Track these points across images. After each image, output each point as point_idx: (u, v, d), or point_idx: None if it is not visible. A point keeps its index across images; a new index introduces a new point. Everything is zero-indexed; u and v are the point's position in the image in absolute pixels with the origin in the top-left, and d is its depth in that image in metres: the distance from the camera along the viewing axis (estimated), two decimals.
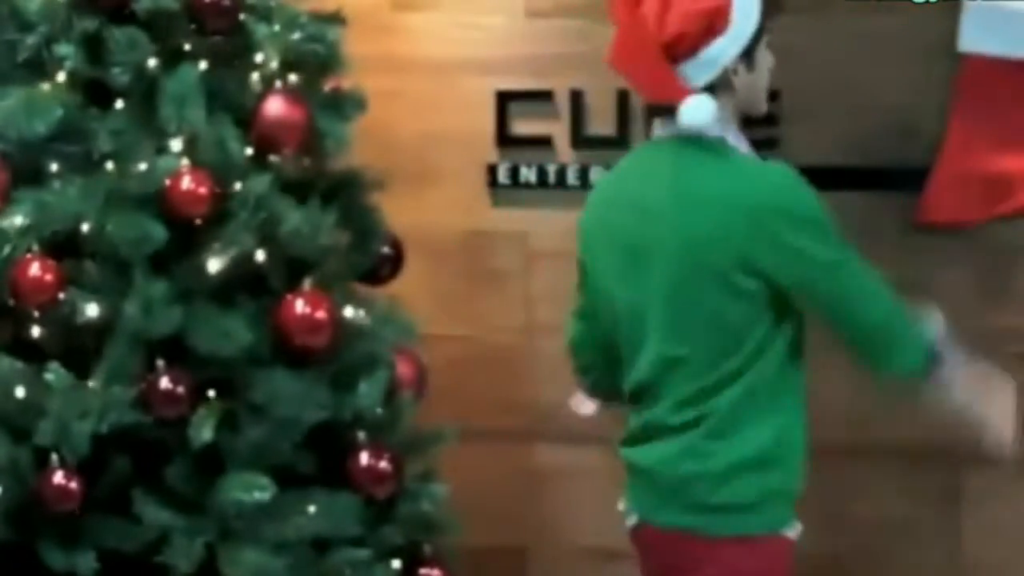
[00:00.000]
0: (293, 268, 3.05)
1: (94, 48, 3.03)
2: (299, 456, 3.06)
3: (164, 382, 2.93)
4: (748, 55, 2.56)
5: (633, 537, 2.71)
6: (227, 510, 2.95)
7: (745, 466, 2.54)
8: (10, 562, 2.98)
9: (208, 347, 2.96)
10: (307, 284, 3.02)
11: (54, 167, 3.04)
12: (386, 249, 3.36)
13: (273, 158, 3.06)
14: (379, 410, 3.11)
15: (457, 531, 3.24)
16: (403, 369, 3.22)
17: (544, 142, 3.76)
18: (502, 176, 3.79)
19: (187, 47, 3.05)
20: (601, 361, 2.77)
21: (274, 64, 3.10)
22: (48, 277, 2.93)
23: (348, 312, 3.12)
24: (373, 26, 3.69)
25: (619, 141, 3.69)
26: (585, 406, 2.94)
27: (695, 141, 2.53)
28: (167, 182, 2.95)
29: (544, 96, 3.74)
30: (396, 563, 3.12)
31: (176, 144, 3.00)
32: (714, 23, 2.49)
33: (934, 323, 2.64)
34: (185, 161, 2.97)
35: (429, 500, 3.17)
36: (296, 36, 3.11)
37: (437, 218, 3.79)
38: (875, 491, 3.61)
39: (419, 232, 3.57)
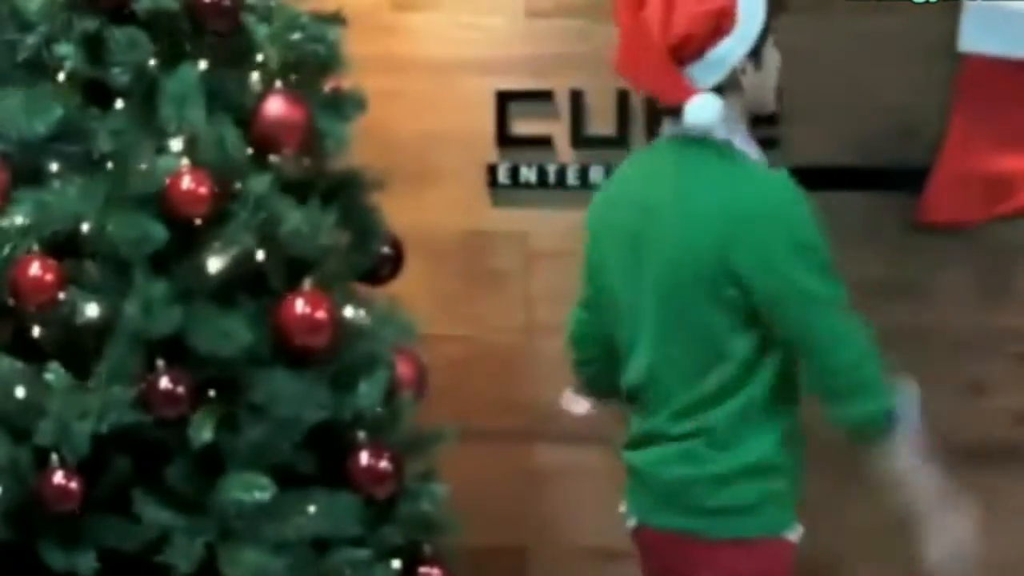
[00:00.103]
0: (293, 268, 3.05)
1: (94, 48, 3.03)
2: (299, 456, 3.06)
3: (164, 382, 2.93)
4: (755, 54, 2.54)
5: (634, 539, 2.71)
6: (227, 510, 2.95)
7: (745, 472, 2.53)
8: (10, 562, 2.98)
9: (208, 347, 2.96)
10: (307, 284, 3.02)
11: (54, 167, 3.04)
12: (386, 249, 3.35)
13: (273, 158, 3.06)
14: (379, 410, 3.11)
15: (457, 531, 3.23)
16: (403, 369, 3.22)
17: (544, 142, 3.76)
18: (502, 176, 3.79)
19: (187, 47, 3.05)
20: (601, 356, 2.77)
21: (274, 64, 3.10)
22: (48, 277, 2.93)
23: (348, 312, 3.12)
24: (373, 26, 3.69)
25: (619, 141, 3.69)
26: (578, 404, 2.91)
27: (700, 143, 2.53)
28: (167, 182, 2.95)
29: (544, 96, 3.74)
30: (396, 563, 3.11)
31: (176, 144, 3.00)
32: (720, 24, 2.48)
33: (907, 391, 2.57)
34: (185, 161, 2.97)
35: (429, 500, 3.17)
36: (296, 36, 3.11)
37: (437, 218, 3.79)
38: (875, 491, 3.61)
39: (419, 232, 3.57)
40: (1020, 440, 3.57)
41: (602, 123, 3.72)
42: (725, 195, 2.48)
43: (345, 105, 3.21)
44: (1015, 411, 3.57)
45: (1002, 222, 3.49)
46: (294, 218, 3.02)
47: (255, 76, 3.10)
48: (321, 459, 3.09)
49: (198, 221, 2.96)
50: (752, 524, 2.55)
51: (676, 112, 2.53)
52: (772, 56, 2.60)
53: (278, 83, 3.07)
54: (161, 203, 2.95)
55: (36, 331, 3.00)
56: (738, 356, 2.51)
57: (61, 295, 2.95)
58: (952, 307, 3.58)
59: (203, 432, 2.92)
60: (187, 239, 2.98)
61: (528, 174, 3.77)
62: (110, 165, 3.00)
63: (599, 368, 2.80)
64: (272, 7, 3.15)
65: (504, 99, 3.77)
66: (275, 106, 3.05)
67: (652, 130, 3.67)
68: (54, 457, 2.91)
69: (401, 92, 3.75)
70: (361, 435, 3.07)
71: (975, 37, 3.43)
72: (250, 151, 3.05)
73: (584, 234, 2.73)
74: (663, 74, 2.49)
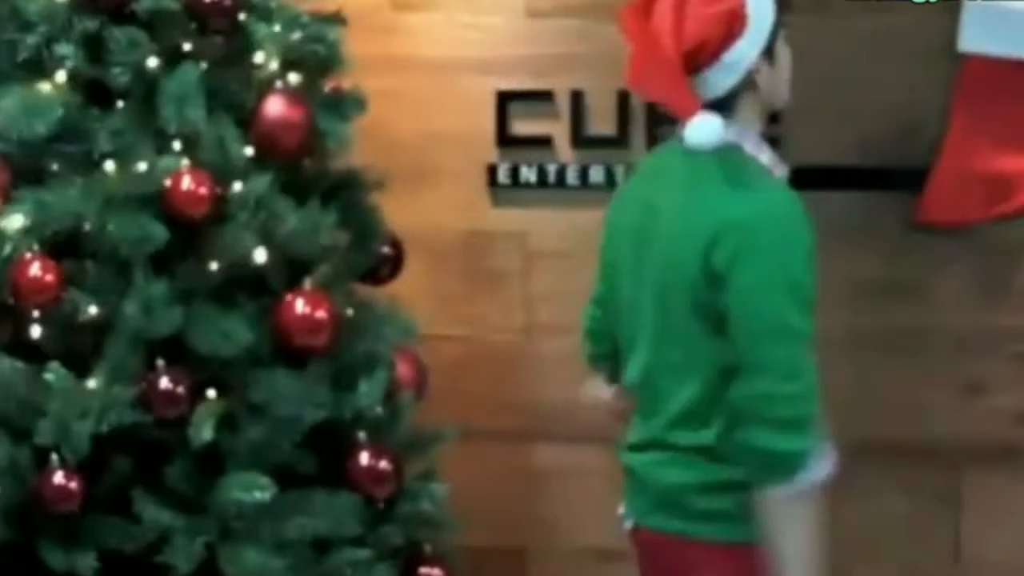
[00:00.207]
0: (293, 268, 3.05)
1: (94, 48, 3.03)
2: (299, 456, 3.06)
3: (164, 382, 2.93)
4: (769, 52, 2.53)
5: (631, 540, 2.71)
6: (227, 510, 2.95)
7: (742, 482, 2.49)
8: (10, 562, 2.98)
9: (208, 347, 2.96)
10: (307, 284, 3.02)
11: (54, 167, 3.04)
12: (386, 249, 3.36)
13: (273, 158, 3.06)
14: (379, 410, 3.11)
15: (457, 531, 3.24)
16: (403, 369, 3.23)
17: (544, 142, 3.76)
18: (502, 176, 3.79)
19: (187, 47, 3.05)
20: (615, 352, 2.75)
21: (274, 64, 3.09)
22: (48, 277, 2.93)
23: (348, 312, 3.12)
24: (373, 26, 3.69)
25: (619, 141, 3.70)
26: (602, 390, 2.87)
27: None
28: (167, 182, 2.94)
29: (544, 96, 3.74)
30: (396, 563, 3.12)
31: (176, 144, 3.00)
32: (732, 26, 2.47)
33: (826, 452, 2.49)
34: (185, 161, 2.97)
35: (429, 500, 3.17)
36: (296, 36, 3.11)
37: (437, 218, 3.79)
38: (875, 491, 3.61)
39: (419, 232, 3.57)
40: (1020, 440, 3.57)
41: (602, 123, 3.72)
42: (719, 200, 2.47)
43: (345, 105, 3.21)
44: (1015, 411, 3.57)
45: (1002, 222, 3.50)
46: (294, 218, 3.02)
47: (255, 76, 3.10)
48: (321, 459, 3.09)
49: (198, 221, 2.96)
50: (747, 529, 2.53)
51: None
52: (784, 52, 2.58)
53: (278, 83, 3.07)
54: (161, 203, 2.95)
55: (36, 331, 2.99)
56: (718, 363, 2.49)
57: (61, 295, 2.95)
58: (952, 307, 3.58)
59: (203, 432, 2.92)
60: (187, 239, 2.98)
61: (528, 174, 3.77)
62: (110, 165, 3.00)
63: (612, 364, 2.79)
64: (272, 7, 3.15)
65: (504, 99, 3.77)
66: (275, 106, 3.05)
67: (652, 130, 3.68)
68: (54, 457, 2.91)
69: (401, 92, 3.75)
70: (361, 435, 3.07)
71: (975, 37, 3.43)
72: (250, 151, 3.05)
73: (602, 231, 2.74)
74: (673, 88, 2.47)
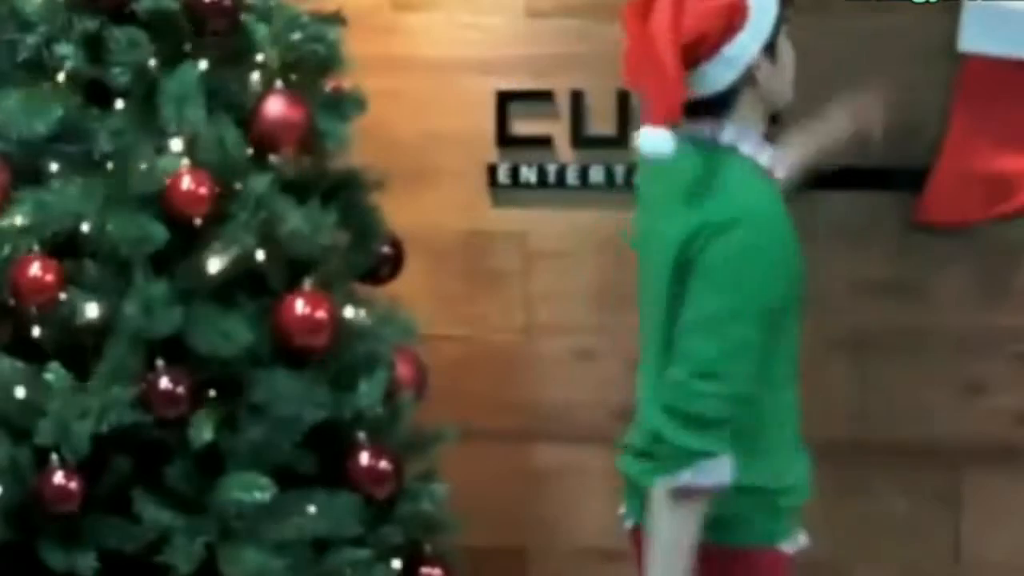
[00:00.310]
0: (293, 268, 3.05)
1: (94, 48, 3.03)
2: (299, 456, 3.06)
3: (164, 382, 2.93)
4: (770, 48, 2.51)
5: (631, 540, 2.71)
6: (227, 510, 2.95)
7: (740, 488, 2.47)
8: (10, 562, 2.98)
9: (208, 347, 2.96)
10: (307, 284, 3.02)
11: (54, 167, 3.04)
12: (386, 249, 3.36)
13: (273, 158, 3.06)
14: (379, 410, 3.11)
15: (457, 531, 3.24)
16: (403, 369, 3.23)
17: (544, 142, 3.76)
18: (502, 176, 3.79)
19: (187, 47, 3.05)
20: None
21: (274, 64, 3.10)
22: (48, 277, 2.93)
23: (348, 312, 3.12)
24: (373, 26, 3.69)
25: (619, 141, 3.69)
26: None
27: (703, 144, 2.52)
28: (167, 182, 2.95)
29: (544, 96, 3.74)
30: (396, 563, 3.12)
31: (176, 144, 3.00)
32: (732, 18, 2.45)
33: (726, 464, 2.41)
34: (185, 161, 2.97)
35: (429, 500, 3.17)
36: (296, 36, 3.11)
37: (437, 218, 3.79)
38: (875, 491, 3.61)
39: (419, 232, 3.57)
40: (1020, 440, 3.57)
41: (602, 123, 3.72)
42: (691, 205, 2.44)
43: (345, 105, 3.21)
44: (1015, 411, 3.57)
45: (1002, 222, 3.49)
46: (294, 218, 3.02)
47: (255, 76, 3.10)
48: (321, 459, 3.09)
49: (198, 221, 2.96)
50: (740, 532, 2.51)
51: (691, 112, 2.51)
52: (787, 49, 2.56)
53: (278, 83, 3.07)
54: (161, 203, 2.95)
55: (36, 331, 3.00)
56: None
57: (61, 295, 2.95)
58: (952, 307, 3.58)
59: (203, 432, 2.92)
60: (187, 239, 2.98)
61: (528, 174, 3.77)
62: (110, 165, 3.00)
63: None
64: (272, 7, 3.15)
65: (504, 99, 3.77)
66: (275, 106, 3.05)
67: None
68: (54, 457, 2.92)
69: (401, 92, 3.75)
70: (361, 435, 3.07)
71: (975, 37, 3.43)
72: (250, 151, 3.05)
73: None
74: (659, 91, 2.44)
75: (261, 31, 3.11)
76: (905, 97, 3.52)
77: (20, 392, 2.95)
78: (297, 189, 3.08)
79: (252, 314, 3.00)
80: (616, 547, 2.91)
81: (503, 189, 3.80)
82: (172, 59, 3.03)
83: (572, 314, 3.76)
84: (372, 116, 3.26)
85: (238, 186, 2.99)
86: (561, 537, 3.83)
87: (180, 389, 2.93)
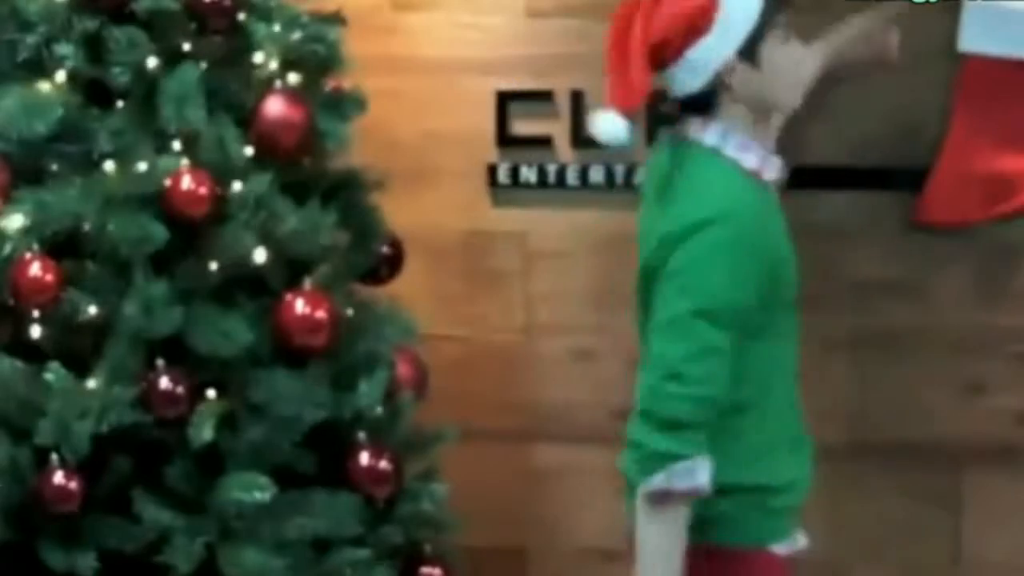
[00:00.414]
0: (293, 268, 3.05)
1: (94, 48, 3.03)
2: (299, 456, 3.06)
3: (164, 382, 2.93)
4: (750, 53, 2.50)
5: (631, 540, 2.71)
6: (227, 510, 2.95)
7: (727, 489, 2.48)
8: (10, 562, 2.98)
9: (208, 347, 2.96)
10: (307, 284, 3.02)
11: (54, 167, 3.04)
12: (386, 249, 3.36)
13: (273, 158, 3.06)
14: (379, 410, 3.11)
15: (457, 531, 3.24)
16: (403, 369, 3.22)
17: (544, 142, 3.76)
18: (502, 176, 3.78)
19: (187, 47, 3.05)
20: None
21: (274, 64, 3.09)
22: (48, 277, 2.93)
23: (348, 312, 3.12)
24: (373, 26, 3.69)
25: None
26: None
27: (688, 145, 2.52)
28: (167, 182, 2.95)
29: (544, 96, 3.74)
30: (396, 563, 3.12)
31: (176, 144, 3.00)
32: (696, 23, 2.44)
33: (704, 466, 2.40)
34: (185, 161, 2.97)
35: (429, 500, 3.17)
36: (296, 36, 3.11)
37: (437, 218, 3.79)
38: (875, 491, 3.61)
39: (419, 232, 3.57)
40: (1020, 440, 3.56)
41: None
42: (674, 201, 2.46)
43: (345, 105, 3.21)
44: (1015, 411, 3.57)
45: (1002, 222, 3.49)
46: (294, 218, 3.02)
47: (255, 76, 3.10)
48: (321, 459, 3.09)
49: (198, 221, 2.96)
50: (731, 532, 2.51)
51: (687, 110, 2.52)
52: (780, 53, 2.53)
53: (278, 83, 3.07)
54: (161, 203, 2.95)
55: (36, 331, 3.00)
56: None
57: (61, 295, 2.95)
58: (952, 307, 3.57)
59: (203, 432, 2.92)
60: (187, 239, 2.98)
61: (528, 174, 3.77)
62: (110, 165, 3.00)
63: None
64: (272, 7, 3.15)
65: (504, 99, 3.76)
66: (275, 106, 3.05)
67: (652, 131, 3.67)
68: (54, 457, 2.92)
69: (401, 92, 3.75)
70: (361, 435, 3.07)
71: (975, 37, 3.43)
72: (250, 151, 3.05)
73: None
74: (621, 76, 2.44)
75: (261, 31, 3.11)
76: (905, 97, 3.52)
77: (20, 392, 2.95)
78: (297, 189, 3.08)
79: (252, 314, 3.00)
80: (616, 547, 2.91)
81: (503, 189, 3.79)
82: (172, 59, 3.03)
83: (572, 314, 3.76)
84: (372, 116, 3.26)
85: (238, 186, 2.99)
86: (561, 537, 3.83)
87: (180, 389, 2.93)
